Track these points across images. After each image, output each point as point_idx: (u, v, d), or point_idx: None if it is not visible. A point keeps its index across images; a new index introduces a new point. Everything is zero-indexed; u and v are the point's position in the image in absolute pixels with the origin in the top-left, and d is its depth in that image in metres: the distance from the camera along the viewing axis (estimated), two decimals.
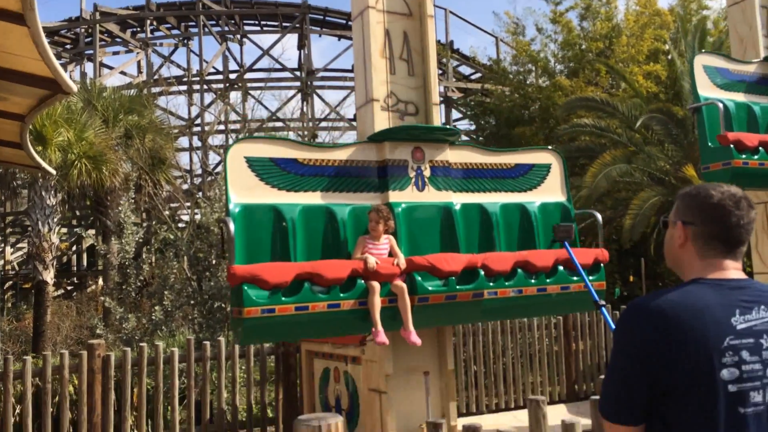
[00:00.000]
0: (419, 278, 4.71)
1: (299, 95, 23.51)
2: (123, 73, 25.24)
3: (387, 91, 5.34)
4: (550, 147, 6.14)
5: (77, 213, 19.75)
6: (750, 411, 1.63)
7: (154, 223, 13.47)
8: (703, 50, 6.71)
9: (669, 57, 16.19)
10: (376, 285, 4.52)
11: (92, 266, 19.98)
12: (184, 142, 22.57)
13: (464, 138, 25.13)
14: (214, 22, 24.74)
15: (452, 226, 5.13)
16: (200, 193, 16.76)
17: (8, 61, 5.21)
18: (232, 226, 4.33)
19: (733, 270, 1.76)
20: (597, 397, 4.02)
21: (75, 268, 21.13)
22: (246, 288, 4.21)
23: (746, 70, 6.69)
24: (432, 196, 5.14)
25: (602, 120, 14.00)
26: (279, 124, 22.43)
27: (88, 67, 23.81)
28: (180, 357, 6.59)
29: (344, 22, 24.75)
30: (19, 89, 5.70)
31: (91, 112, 14.46)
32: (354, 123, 15.63)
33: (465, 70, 25.89)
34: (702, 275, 1.75)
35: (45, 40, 4.80)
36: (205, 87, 23.29)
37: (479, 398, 7.89)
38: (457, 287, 4.79)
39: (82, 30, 23.47)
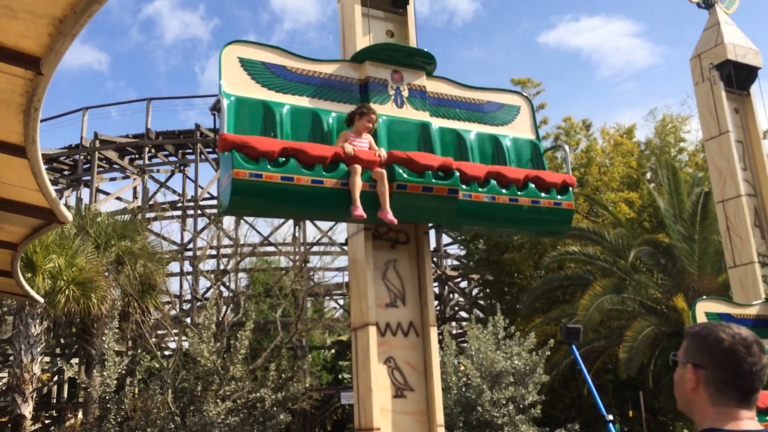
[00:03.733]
0: (399, 169, 4.95)
1: (291, 220, 23.74)
2: (119, 198, 25.58)
3: None
4: (519, 91, 6.49)
5: (62, 341, 19.28)
6: None
7: (139, 351, 13.13)
8: (705, 297, 6.81)
9: (651, 185, 16.71)
10: (357, 167, 4.83)
11: (73, 398, 19.23)
12: (175, 266, 22.53)
13: (455, 262, 25.24)
14: (210, 150, 25.45)
15: (429, 142, 5.38)
16: (188, 319, 16.53)
17: (5, 191, 5.23)
18: (225, 102, 4.65)
19: (747, 420, 1.71)
20: None
21: (55, 400, 20.32)
22: (236, 153, 4.50)
23: (748, 314, 6.86)
24: (410, 113, 5.45)
25: (588, 247, 14.20)
26: (271, 248, 22.49)
27: (84, 192, 24.14)
28: None
29: None
30: (14, 219, 5.71)
31: (84, 238, 14.49)
32: (345, 248, 15.70)
33: None
34: (716, 425, 1.70)
35: (44, 172, 4.87)
36: (199, 212, 23.57)
37: None
38: (434, 181, 5.01)
39: (81, 157, 23.98)
